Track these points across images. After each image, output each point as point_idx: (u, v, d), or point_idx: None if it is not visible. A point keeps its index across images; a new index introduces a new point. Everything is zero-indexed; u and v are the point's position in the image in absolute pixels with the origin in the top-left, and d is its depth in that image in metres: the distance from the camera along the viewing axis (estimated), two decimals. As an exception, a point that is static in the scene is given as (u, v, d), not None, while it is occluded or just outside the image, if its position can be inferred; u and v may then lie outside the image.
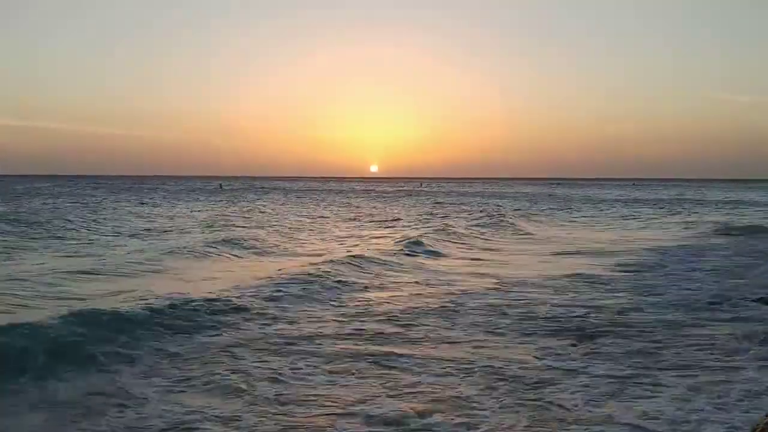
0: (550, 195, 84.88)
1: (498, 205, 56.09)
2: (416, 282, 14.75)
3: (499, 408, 6.46)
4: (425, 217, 40.16)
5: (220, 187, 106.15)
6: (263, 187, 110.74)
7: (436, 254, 20.02)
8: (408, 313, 11.07)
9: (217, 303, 11.10)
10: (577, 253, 20.92)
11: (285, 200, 64.96)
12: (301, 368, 7.81)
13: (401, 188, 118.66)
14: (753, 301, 11.75)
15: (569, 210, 49.62)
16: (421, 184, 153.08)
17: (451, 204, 59.47)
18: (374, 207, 53.34)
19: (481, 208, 49.74)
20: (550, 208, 51.85)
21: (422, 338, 9.39)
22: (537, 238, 26.89)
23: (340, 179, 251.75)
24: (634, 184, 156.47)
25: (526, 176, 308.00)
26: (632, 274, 15.92)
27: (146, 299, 11.01)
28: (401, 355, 8.39)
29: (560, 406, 6.51)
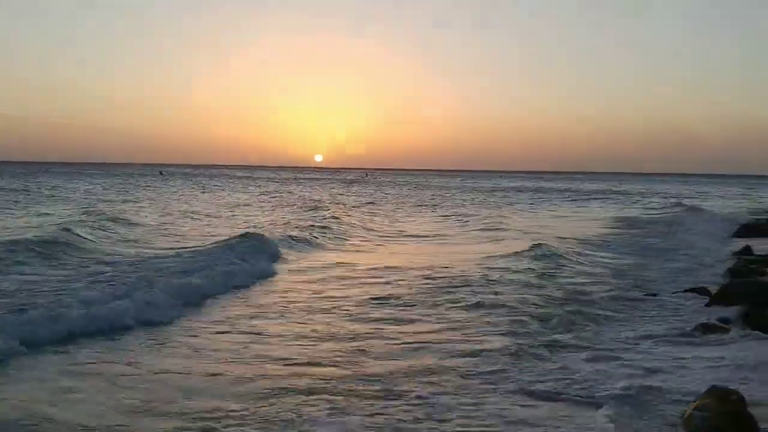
0: (469, 188, 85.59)
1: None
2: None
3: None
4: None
5: (161, 174, 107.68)
6: (203, 176, 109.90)
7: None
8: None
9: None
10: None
11: (217, 187, 64.83)
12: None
13: (345, 179, 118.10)
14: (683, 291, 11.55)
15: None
16: (366, 175, 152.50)
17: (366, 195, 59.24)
18: (303, 195, 53.98)
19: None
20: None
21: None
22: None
23: (283, 168, 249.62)
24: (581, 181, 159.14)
25: (480, 169, 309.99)
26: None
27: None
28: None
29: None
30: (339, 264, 15.52)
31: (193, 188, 61.85)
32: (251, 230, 19.85)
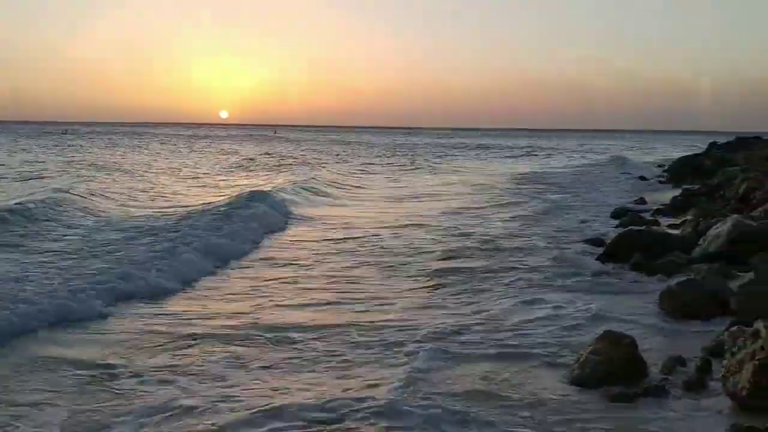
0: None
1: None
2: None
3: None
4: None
5: (65, 132, 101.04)
6: (111, 134, 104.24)
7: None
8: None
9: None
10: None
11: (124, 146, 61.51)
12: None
13: (251, 135, 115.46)
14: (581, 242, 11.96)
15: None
16: (275, 132, 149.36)
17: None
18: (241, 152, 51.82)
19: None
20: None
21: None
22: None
23: (188, 125, 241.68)
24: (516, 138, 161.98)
25: (393, 125, 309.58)
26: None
27: None
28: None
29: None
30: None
31: (121, 148, 56.58)
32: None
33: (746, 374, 4.40)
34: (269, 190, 19.59)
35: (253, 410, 4.78)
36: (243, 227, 13.01)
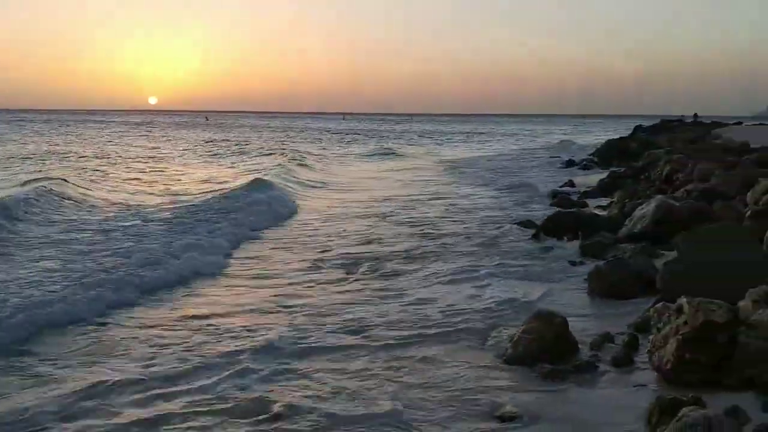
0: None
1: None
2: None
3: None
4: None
5: None
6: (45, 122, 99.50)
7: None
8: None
9: None
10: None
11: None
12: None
13: (181, 122, 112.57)
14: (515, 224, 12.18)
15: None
16: (207, 118, 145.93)
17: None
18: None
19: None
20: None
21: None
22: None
23: (113, 112, 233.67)
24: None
25: (330, 111, 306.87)
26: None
27: None
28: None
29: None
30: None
31: (58, 136, 53.53)
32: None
33: (671, 348, 4.54)
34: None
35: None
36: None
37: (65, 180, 18.13)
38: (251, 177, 20.24)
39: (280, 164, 26.50)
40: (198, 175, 23.87)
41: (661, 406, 3.94)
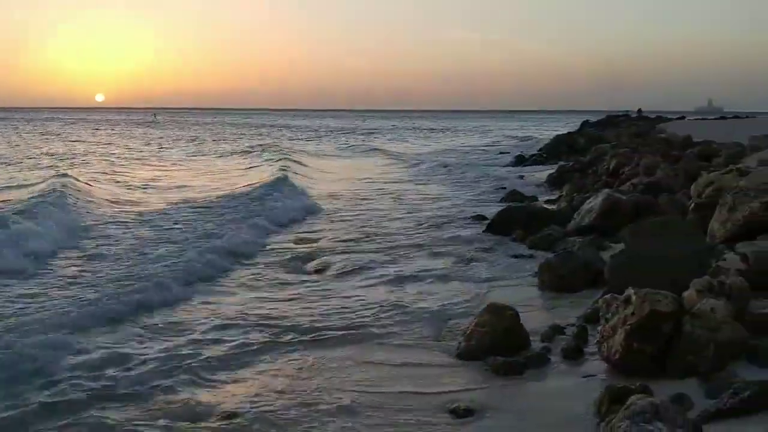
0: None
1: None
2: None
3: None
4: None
5: None
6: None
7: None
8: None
9: None
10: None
11: None
12: None
13: (132, 119, 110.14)
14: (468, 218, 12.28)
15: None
16: (155, 115, 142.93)
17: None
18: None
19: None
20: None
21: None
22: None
23: (60, 109, 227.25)
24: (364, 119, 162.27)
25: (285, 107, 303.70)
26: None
27: None
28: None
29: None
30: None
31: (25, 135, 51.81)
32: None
33: (619, 338, 4.63)
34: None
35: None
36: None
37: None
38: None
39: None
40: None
41: (610, 394, 4.02)
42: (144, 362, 5.47)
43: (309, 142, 47.44)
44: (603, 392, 4.10)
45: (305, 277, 8.54)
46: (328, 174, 23.90)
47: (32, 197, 14.36)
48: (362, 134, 62.28)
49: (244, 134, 58.31)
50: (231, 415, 4.46)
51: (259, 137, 52.01)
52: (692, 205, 8.40)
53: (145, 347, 5.90)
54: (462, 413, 4.41)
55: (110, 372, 5.26)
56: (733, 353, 4.38)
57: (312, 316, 6.75)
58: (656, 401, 3.48)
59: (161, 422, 4.41)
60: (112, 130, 65.92)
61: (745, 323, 4.60)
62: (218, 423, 4.39)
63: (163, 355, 5.65)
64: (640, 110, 65.51)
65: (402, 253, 9.68)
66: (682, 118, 60.48)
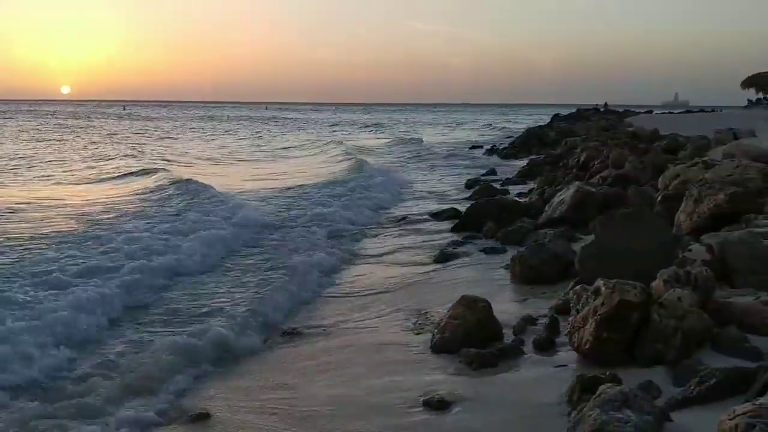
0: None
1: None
2: None
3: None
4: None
5: None
6: None
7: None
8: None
9: None
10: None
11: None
12: None
13: (102, 112, 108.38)
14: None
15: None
16: (124, 108, 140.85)
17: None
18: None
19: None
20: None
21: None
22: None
23: (25, 101, 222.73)
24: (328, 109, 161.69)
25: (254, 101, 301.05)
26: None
27: None
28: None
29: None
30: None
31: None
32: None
33: (589, 329, 4.72)
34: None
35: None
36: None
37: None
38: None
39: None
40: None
41: (581, 384, 4.10)
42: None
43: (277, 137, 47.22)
44: (574, 382, 4.18)
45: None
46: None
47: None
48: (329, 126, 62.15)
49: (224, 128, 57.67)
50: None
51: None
52: (659, 197, 8.54)
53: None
54: (436, 405, 4.45)
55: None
56: (699, 341, 4.50)
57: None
58: (625, 389, 3.56)
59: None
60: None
61: (710, 312, 4.72)
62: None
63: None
64: (606, 104, 66.32)
65: (371, 243, 9.71)
66: (650, 112, 61.36)
